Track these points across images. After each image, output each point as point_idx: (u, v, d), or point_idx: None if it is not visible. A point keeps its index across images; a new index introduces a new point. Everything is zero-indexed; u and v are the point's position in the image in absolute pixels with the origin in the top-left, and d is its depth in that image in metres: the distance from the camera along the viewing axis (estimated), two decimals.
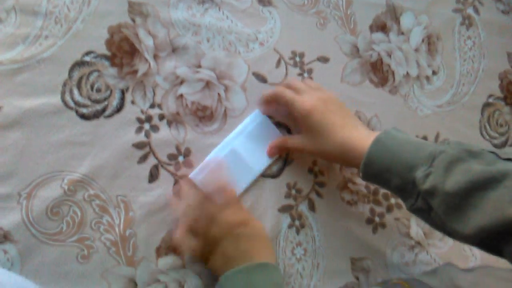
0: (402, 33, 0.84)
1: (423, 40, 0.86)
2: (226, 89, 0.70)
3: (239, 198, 0.68)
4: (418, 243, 0.77)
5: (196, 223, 0.61)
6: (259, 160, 0.70)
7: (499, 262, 0.51)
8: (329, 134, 0.63)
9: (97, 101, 0.64)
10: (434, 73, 0.85)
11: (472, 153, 0.52)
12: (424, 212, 0.55)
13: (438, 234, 0.78)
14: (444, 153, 0.53)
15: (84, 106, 0.63)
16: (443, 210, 0.52)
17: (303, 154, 0.72)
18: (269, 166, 0.71)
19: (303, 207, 0.72)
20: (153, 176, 0.65)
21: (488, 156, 0.52)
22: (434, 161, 0.53)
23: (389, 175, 0.57)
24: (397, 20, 0.84)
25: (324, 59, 0.78)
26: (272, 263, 0.60)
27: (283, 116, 0.73)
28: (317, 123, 0.63)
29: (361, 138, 0.61)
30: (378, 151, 0.58)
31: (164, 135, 0.66)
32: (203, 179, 0.66)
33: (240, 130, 0.70)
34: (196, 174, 0.66)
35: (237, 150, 0.69)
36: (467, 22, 0.91)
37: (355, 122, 0.65)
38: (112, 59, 0.65)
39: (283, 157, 0.72)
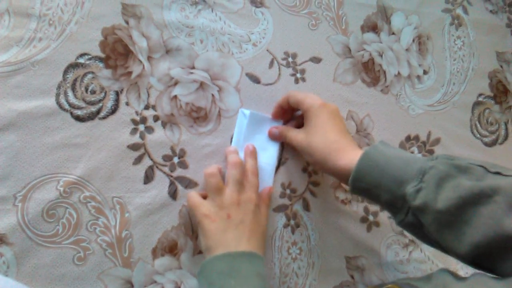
0: (393, 33, 0.85)
1: (413, 40, 0.86)
2: (220, 90, 0.71)
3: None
4: (412, 241, 0.78)
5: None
6: (269, 154, 0.72)
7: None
8: (326, 136, 0.63)
9: (91, 103, 0.64)
10: (425, 72, 0.86)
11: (461, 168, 0.52)
12: (415, 227, 0.55)
13: None
14: (434, 168, 0.53)
15: (79, 108, 0.63)
16: (435, 228, 0.52)
17: (295, 151, 0.73)
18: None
19: (297, 207, 0.72)
20: (148, 177, 0.65)
21: (477, 171, 0.52)
22: (424, 177, 0.53)
23: (379, 191, 0.57)
24: (388, 20, 0.85)
25: (316, 60, 0.79)
26: (259, 254, 0.60)
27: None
28: (320, 122, 0.64)
29: (350, 150, 0.61)
30: (366, 166, 0.57)
31: (159, 136, 0.66)
32: None
33: (237, 138, 0.70)
34: None
35: None
36: (457, 22, 0.92)
37: (351, 138, 0.66)
38: (106, 61, 0.65)
39: (278, 158, 0.72)
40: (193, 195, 0.63)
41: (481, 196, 0.49)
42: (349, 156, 0.60)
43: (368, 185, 0.57)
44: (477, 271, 0.52)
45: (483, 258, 0.49)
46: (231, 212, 0.61)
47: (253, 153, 0.69)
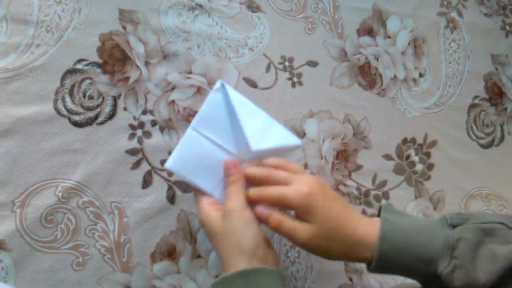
0: (389, 37, 0.86)
1: (409, 43, 0.87)
2: None
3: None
4: None
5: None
6: (228, 136, 0.57)
7: None
8: (337, 228, 0.52)
9: (89, 108, 0.64)
10: (420, 75, 0.87)
11: (486, 231, 0.50)
12: None
13: None
14: (462, 240, 0.50)
15: (77, 113, 0.63)
16: None
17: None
18: None
19: None
20: (146, 182, 0.65)
21: (501, 231, 0.51)
22: (454, 251, 0.50)
23: (406, 274, 0.53)
24: (383, 24, 0.86)
25: (313, 63, 0.79)
26: (270, 268, 0.51)
27: None
28: (321, 213, 0.52)
29: (365, 230, 0.53)
30: (388, 250, 0.51)
31: (157, 141, 0.66)
32: None
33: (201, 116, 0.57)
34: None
35: (196, 135, 0.56)
36: (451, 25, 0.92)
37: (350, 206, 0.56)
38: (103, 67, 0.65)
39: None
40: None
41: None
42: (366, 238, 0.52)
43: (394, 268, 0.52)
44: None
45: None
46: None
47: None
